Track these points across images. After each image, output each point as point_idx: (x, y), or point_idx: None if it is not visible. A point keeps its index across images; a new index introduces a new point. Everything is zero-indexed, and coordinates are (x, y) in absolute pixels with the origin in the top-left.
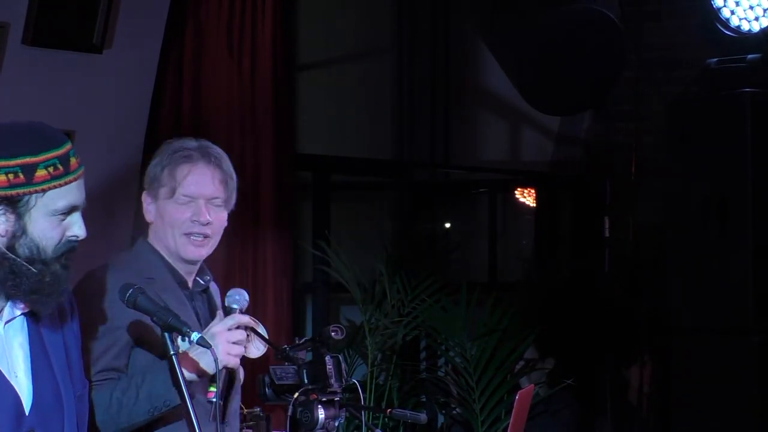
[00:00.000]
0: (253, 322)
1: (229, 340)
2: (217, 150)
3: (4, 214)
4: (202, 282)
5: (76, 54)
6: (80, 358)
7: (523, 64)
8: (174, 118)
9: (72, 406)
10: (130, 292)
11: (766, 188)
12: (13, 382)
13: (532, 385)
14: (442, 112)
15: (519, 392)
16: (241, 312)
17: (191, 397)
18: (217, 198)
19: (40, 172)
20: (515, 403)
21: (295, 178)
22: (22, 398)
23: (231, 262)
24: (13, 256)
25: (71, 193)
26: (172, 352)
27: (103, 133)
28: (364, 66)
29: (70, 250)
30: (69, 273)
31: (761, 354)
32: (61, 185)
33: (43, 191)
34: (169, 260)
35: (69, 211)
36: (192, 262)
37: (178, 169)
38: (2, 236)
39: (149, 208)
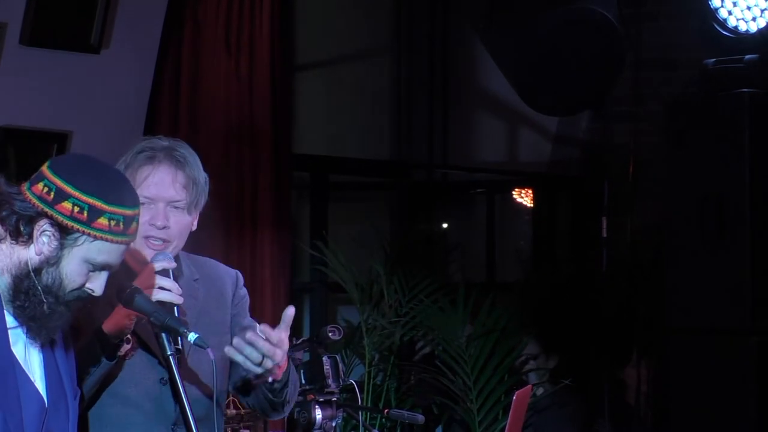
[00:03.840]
0: (172, 263)
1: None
2: (185, 151)
3: (50, 237)
4: None
5: (73, 54)
6: (74, 360)
7: (520, 65)
8: (172, 119)
9: (74, 406)
10: (127, 292)
11: (764, 189)
12: (37, 385)
13: (530, 385)
14: (440, 113)
15: (516, 392)
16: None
17: (188, 398)
18: (178, 201)
19: (102, 221)
20: (513, 404)
21: (292, 178)
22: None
23: (228, 261)
24: (36, 280)
25: (114, 253)
26: (169, 353)
27: (100, 133)
28: (362, 66)
29: (80, 298)
30: (69, 316)
31: (760, 354)
32: (111, 241)
33: (95, 238)
34: None
35: (102, 267)
36: None
37: (140, 171)
38: (38, 255)
39: None
